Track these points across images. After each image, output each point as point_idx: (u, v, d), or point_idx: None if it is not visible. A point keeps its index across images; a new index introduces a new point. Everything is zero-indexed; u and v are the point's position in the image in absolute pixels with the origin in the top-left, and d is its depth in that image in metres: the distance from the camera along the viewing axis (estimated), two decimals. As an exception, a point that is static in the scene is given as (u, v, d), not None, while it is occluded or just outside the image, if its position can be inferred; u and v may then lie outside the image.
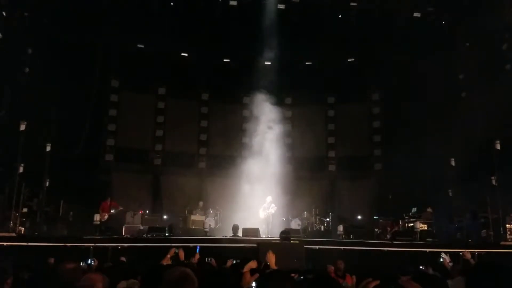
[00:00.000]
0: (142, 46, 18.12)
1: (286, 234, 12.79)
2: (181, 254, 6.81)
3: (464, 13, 15.42)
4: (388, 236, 14.67)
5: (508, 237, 13.26)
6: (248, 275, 4.29)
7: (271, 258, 5.46)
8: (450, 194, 15.28)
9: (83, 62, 15.83)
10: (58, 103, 14.91)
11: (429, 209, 15.15)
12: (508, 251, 12.06)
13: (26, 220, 13.54)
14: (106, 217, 14.57)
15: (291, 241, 12.30)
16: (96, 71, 16.87)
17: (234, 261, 6.76)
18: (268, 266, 6.00)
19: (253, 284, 4.11)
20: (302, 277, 4.72)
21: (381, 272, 4.78)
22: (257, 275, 4.39)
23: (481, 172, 14.01)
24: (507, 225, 13.48)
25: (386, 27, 16.19)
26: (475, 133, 14.50)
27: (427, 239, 13.62)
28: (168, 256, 6.64)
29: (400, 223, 15.45)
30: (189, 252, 7.51)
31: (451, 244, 13.72)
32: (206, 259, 7.94)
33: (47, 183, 13.81)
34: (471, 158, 14.49)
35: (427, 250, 12.31)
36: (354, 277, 4.63)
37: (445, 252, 7.45)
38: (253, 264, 5.24)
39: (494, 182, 13.44)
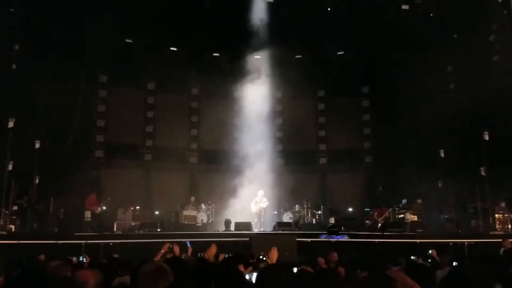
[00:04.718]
0: (131, 41, 17.95)
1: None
2: (176, 249, 6.76)
3: (452, 5, 15.50)
4: (380, 223, 14.77)
5: (497, 227, 13.45)
6: (242, 268, 4.31)
7: (274, 254, 5.41)
8: (440, 185, 15.42)
9: (71, 58, 15.62)
10: (47, 100, 14.75)
11: (419, 201, 15.28)
12: (497, 240, 12.20)
13: (16, 218, 13.46)
14: (99, 210, 14.57)
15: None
16: (84, 67, 16.68)
17: (227, 255, 6.78)
18: (261, 260, 6.03)
19: (247, 277, 4.12)
20: (295, 268, 4.74)
21: (372, 263, 4.84)
22: (251, 268, 4.42)
23: (470, 163, 14.17)
24: (496, 215, 13.68)
25: (375, 20, 16.23)
26: (463, 124, 14.65)
27: (417, 230, 13.79)
28: (162, 251, 6.58)
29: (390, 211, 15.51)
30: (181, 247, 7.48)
31: (441, 234, 13.92)
32: (199, 254, 7.94)
33: (37, 181, 13.71)
34: (460, 149, 14.65)
35: (418, 241, 12.45)
36: (342, 269, 4.67)
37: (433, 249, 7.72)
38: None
39: (483, 173, 13.61)
